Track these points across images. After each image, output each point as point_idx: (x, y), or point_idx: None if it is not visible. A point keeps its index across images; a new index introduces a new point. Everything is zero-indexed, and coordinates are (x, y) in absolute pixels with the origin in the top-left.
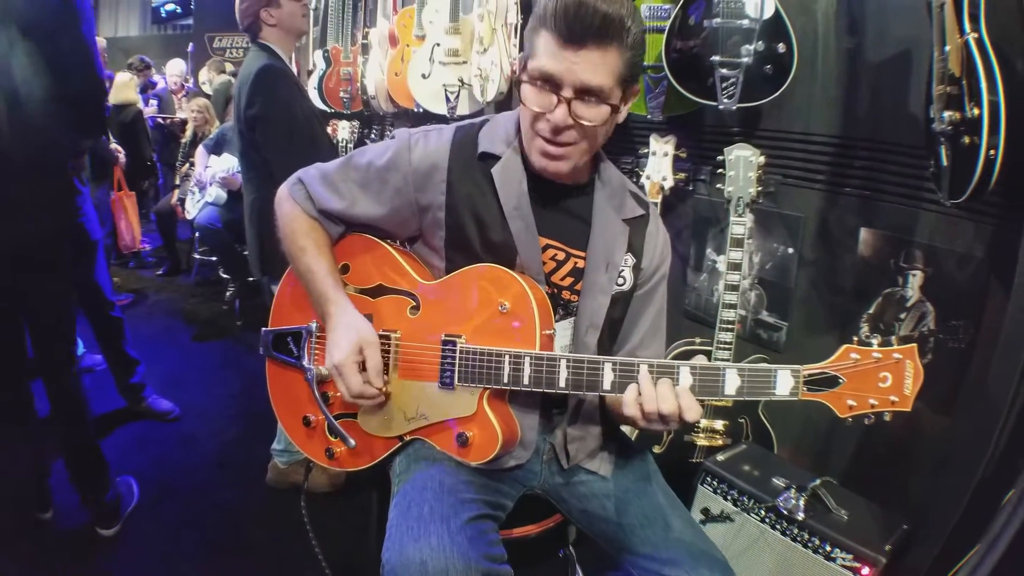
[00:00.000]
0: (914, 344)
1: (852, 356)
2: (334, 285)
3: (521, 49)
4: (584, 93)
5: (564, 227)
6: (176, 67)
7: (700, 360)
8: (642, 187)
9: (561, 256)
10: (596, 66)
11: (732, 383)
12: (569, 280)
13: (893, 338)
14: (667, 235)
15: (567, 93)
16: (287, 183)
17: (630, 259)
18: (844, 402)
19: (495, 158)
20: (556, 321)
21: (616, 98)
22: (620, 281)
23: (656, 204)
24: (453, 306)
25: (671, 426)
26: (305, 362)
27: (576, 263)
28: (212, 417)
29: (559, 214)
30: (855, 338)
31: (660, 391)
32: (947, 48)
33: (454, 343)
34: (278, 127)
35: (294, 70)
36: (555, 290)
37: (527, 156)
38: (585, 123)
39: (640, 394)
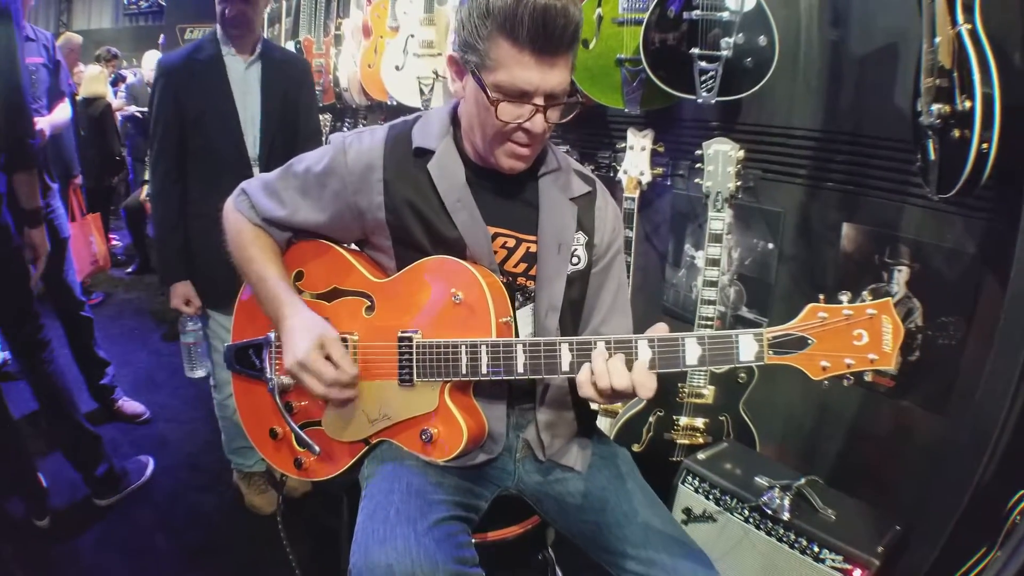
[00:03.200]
0: (888, 298)
1: (819, 315)
2: (286, 289)
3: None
4: (553, 97)
5: (511, 213)
6: (152, 59)
7: (660, 328)
8: (619, 182)
9: (512, 243)
10: (565, 71)
11: (693, 352)
12: (523, 266)
13: (865, 293)
14: (617, 209)
15: (540, 101)
16: (232, 195)
17: (582, 237)
18: (816, 363)
19: (430, 153)
20: (516, 309)
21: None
22: (574, 260)
23: (633, 199)
24: (407, 302)
25: (627, 398)
26: (267, 373)
27: (528, 248)
28: (184, 419)
29: (504, 201)
30: (821, 296)
31: (612, 367)
32: (937, 40)
33: (410, 339)
34: (149, 125)
35: (238, 61)
36: (510, 278)
37: (485, 155)
38: (555, 123)
39: (592, 372)
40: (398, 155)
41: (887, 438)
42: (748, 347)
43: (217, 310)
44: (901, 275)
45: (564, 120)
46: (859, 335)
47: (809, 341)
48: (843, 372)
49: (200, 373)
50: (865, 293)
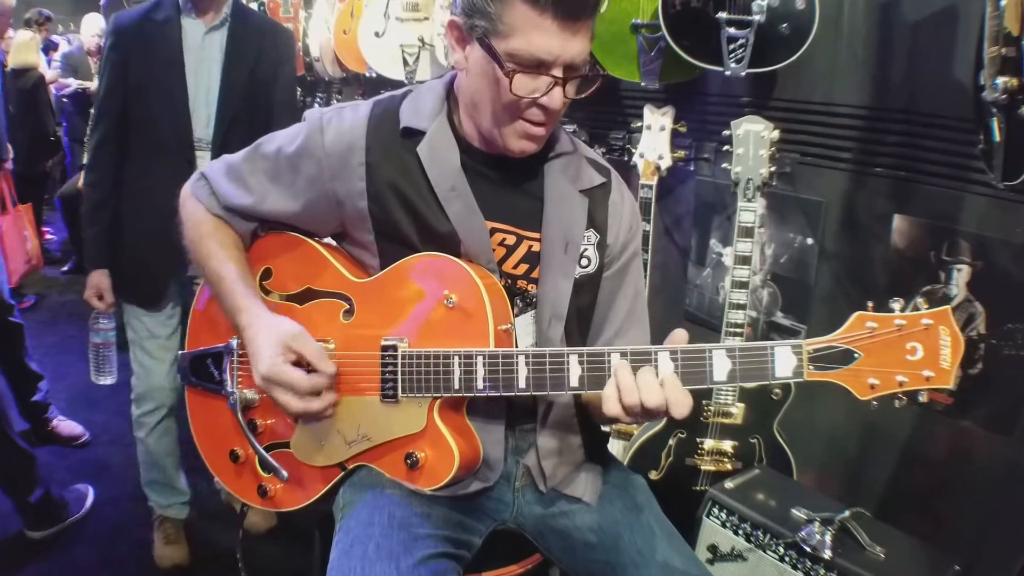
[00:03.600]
0: (947, 307)
1: (868, 325)
2: (245, 291)
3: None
4: (573, 69)
5: (511, 206)
6: (94, 24)
7: (679, 335)
8: (635, 167)
9: (511, 240)
10: (587, 39)
11: (722, 367)
12: (524, 267)
13: (920, 299)
14: (635, 204)
15: (558, 72)
16: (190, 180)
17: (593, 236)
18: (863, 381)
19: (421, 134)
20: (515, 316)
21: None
22: (584, 262)
23: (651, 187)
24: (392, 305)
25: (658, 418)
26: (228, 387)
27: (530, 246)
28: (128, 441)
29: (504, 191)
30: (870, 303)
31: (641, 380)
32: (1003, 2)
33: (395, 348)
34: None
35: (196, 26)
36: (509, 280)
37: (490, 136)
38: (573, 98)
39: (619, 387)
40: (383, 135)
41: (944, 464)
42: (785, 361)
43: (143, 307)
44: (960, 275)
45: (583, 96)
46: (913, 348)
47: (856, 355)
48: (894, 391)
49: (108, 380)
50: (920, 300)
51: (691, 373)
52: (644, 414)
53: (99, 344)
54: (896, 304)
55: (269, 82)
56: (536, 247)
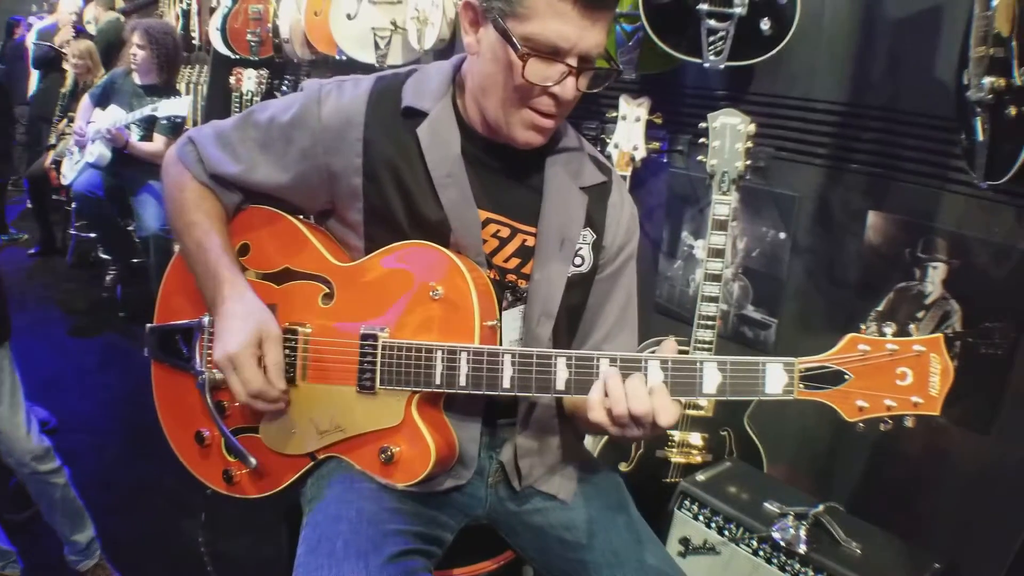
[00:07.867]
0: (940, 335)
1: (860, 347)
2: (229, 264)
3: None
4: (587, 60)
5: (509, 197)
6: (71, 1)
7: (669, 344)
8: (609, 157)
9: (505, 232)
10: (604, 31)
11: (712, 380)
12: (516, 261)
13: (913, 326)
14: (634, 207)
15: (573, 62)
16: (177, 143)
17: (589, 235)
18: (851, 403)
19: (422, 115)
20: (503, 310)
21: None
22: (577, 261)
23: (625, 177)
24: (374, 292)
25: (644, 433)
26: (196, 364)
27: (524, 240)
28: (94, 428)
29: (503, 182)
30: (862, 326)
31: (630, 388)
32: (994, 2)
33: (375, 337)
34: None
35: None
36: (499, 274)
37: (496, 125)
38: (584, 92)
39: (607, 394)
40: (383, 113)
41: (918, 461)
42: (776, 378)
43: None
44: (936, 272)
45: (595, 90)
46: (903, 374)
47: (846, 376)
48: (881, 415)
49: None
50: (912, 327)
51: (681, 384)
52: (631, 423)
53: None
54: (888, 328)
55: None
56: (530, 241)
